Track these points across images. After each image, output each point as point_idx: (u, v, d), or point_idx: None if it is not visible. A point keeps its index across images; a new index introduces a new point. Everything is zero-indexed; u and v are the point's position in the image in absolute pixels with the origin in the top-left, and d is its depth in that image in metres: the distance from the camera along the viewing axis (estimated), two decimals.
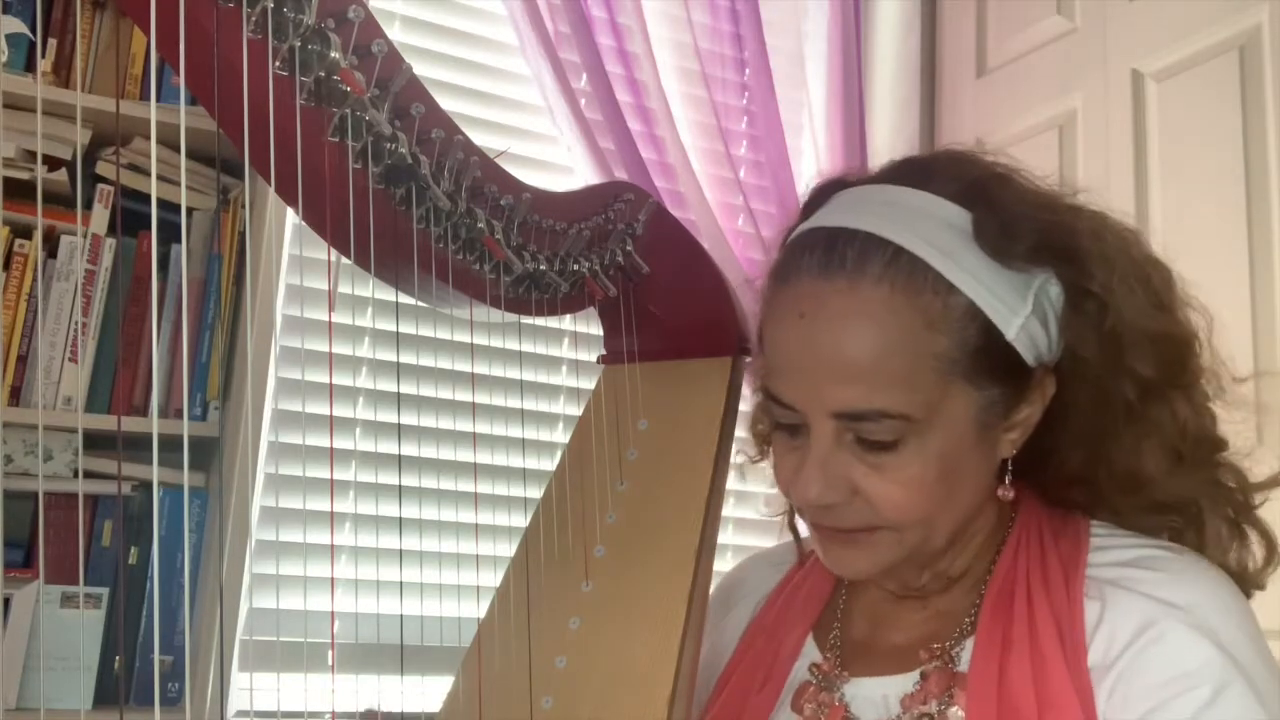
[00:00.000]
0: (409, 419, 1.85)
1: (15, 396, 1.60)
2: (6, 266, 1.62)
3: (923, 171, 0.80)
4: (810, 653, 0.85)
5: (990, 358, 0.74)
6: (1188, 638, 0.70)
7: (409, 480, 1.78)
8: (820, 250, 0.76)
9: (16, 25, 1.63)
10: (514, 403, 1.87)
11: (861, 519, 0.76)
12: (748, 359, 1.01)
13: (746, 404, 0.95)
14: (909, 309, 0.73)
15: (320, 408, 2.00)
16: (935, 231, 0.75)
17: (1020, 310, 0.74)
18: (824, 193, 0.83)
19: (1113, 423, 0.78)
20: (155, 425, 1.66)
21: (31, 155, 1.63)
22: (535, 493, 0.98)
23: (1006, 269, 0.74)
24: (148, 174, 1.66)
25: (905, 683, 0.79)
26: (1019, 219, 0.75)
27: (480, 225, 0.79)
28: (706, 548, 0.88)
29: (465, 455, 1.62)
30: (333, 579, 1.84)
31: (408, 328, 1.74)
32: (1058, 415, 0.79)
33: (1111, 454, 0.79)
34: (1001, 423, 0.77)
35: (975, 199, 0.76)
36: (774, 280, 0.80)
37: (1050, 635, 0.73)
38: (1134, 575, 0.74)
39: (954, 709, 0.75)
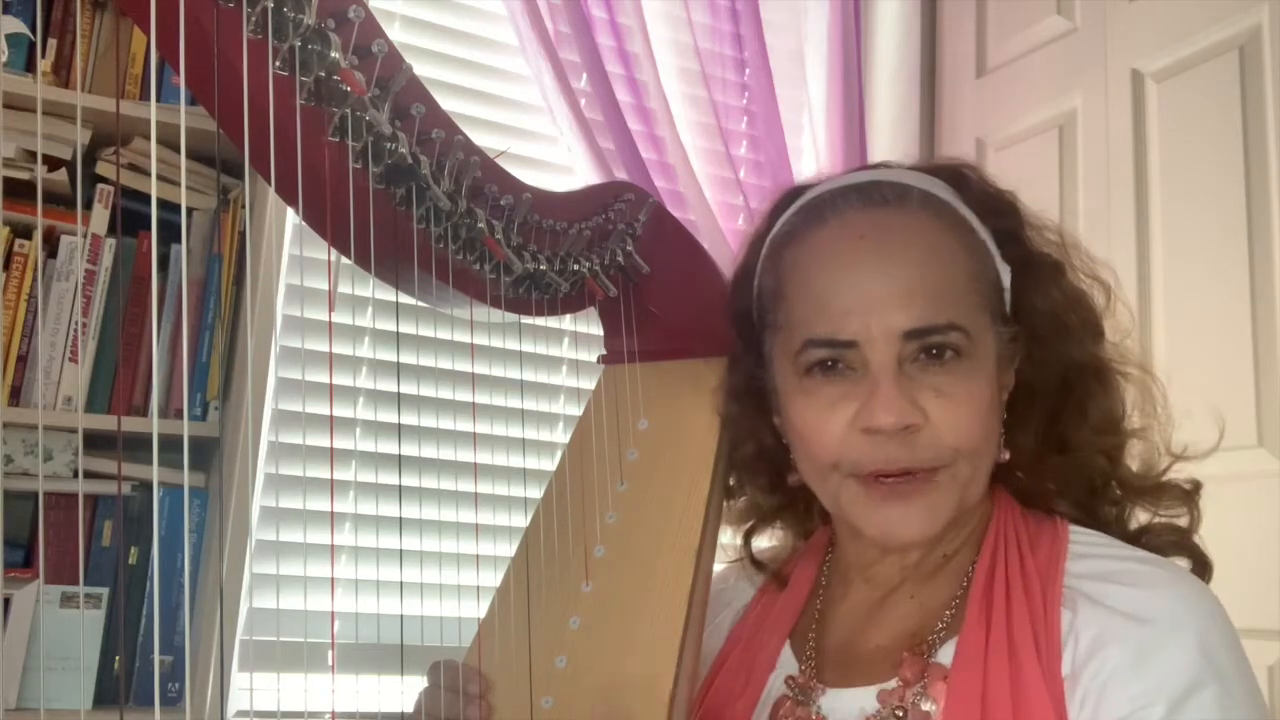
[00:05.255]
0: (409, 419, 1.85)
1: (15, 396, 1.60)
2: (6, 266, 1.62)
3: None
4: (787, 663, 0.85)
5: (1000, 301, 0.81)
6: (1144, 658, 0.70)
7: (409, 480, 1.78)
8: (854, 194, 0.81)
9: (16, 25, 1.63)
10: (514, 403, 1.87)
11: (930, 451, 0.75)
12: None
13: None
14: (950, 232, 0.79)
15: (320, 408, 2.00)
16: (935, 185, 0.82)
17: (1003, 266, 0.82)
18: (791, 196, 0.87)
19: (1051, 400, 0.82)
20: (155, 425, 1.66)
21: (31, 155, 1.62)
22: (535, 493, 0.98)
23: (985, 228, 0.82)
24: (148, 174, 1.66)
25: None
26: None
27: (480, 225, 0.79)
28: (707, 548, 0.88)
29: (465, 455, 1.62)
30: (333, 579, 1.83)
31: (408, 328, 1.74)
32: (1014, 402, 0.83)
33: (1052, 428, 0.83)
34: (1002, 376, 0.81)
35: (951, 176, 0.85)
36: (806, 228, 0.82)
37: (1027, 641, 0.74)
38: (1107, 590, 0.74)
39: (928, 702, 0.75)
